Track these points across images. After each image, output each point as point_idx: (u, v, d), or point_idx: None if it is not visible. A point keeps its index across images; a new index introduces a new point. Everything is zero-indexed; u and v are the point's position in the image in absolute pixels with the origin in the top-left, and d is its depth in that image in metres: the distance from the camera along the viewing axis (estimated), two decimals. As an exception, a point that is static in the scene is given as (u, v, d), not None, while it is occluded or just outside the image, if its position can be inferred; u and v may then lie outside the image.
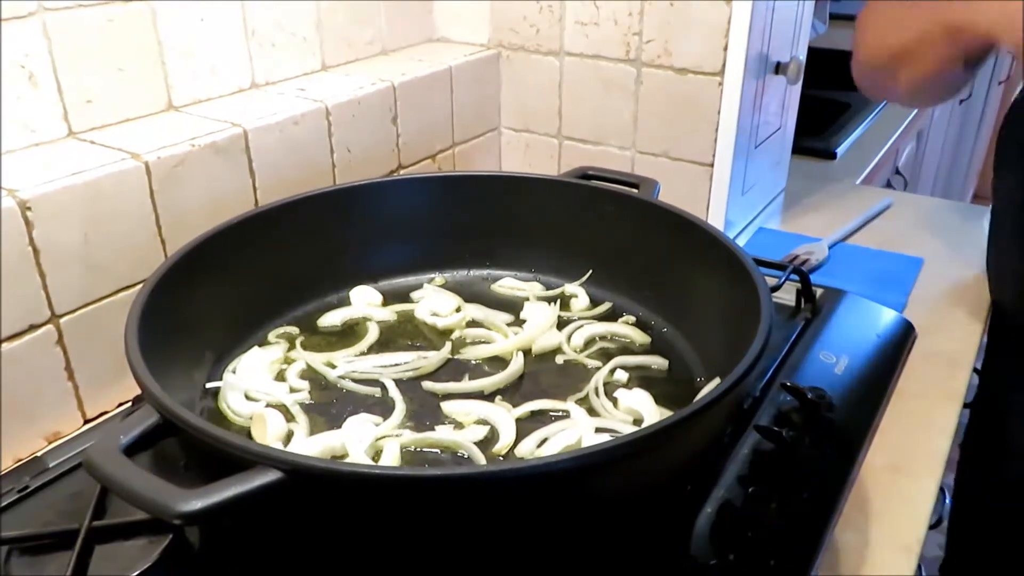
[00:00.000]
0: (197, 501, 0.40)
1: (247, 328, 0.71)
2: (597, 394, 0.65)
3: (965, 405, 0.76)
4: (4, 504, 0.57)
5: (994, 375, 0.91)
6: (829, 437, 0.64)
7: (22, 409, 0.63)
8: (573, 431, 0.60)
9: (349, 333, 0.73)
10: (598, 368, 0.68)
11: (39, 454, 0.64)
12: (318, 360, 0.68)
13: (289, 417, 0.62)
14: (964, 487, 0.97)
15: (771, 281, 0.66)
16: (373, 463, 0.57)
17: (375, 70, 0.93)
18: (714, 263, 0.67)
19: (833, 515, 0.58)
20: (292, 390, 0.65)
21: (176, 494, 0.41)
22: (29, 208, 0.60)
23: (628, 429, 0.61)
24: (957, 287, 0.93)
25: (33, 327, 0.63)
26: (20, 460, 0.63)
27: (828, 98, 1.53)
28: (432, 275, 0.81)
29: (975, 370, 0.83)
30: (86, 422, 0.68)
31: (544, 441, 0.60)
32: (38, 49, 0.66)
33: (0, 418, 0.61)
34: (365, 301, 0.77)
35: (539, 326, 0.72)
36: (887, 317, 0.81)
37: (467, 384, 0.66)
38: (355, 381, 0.66)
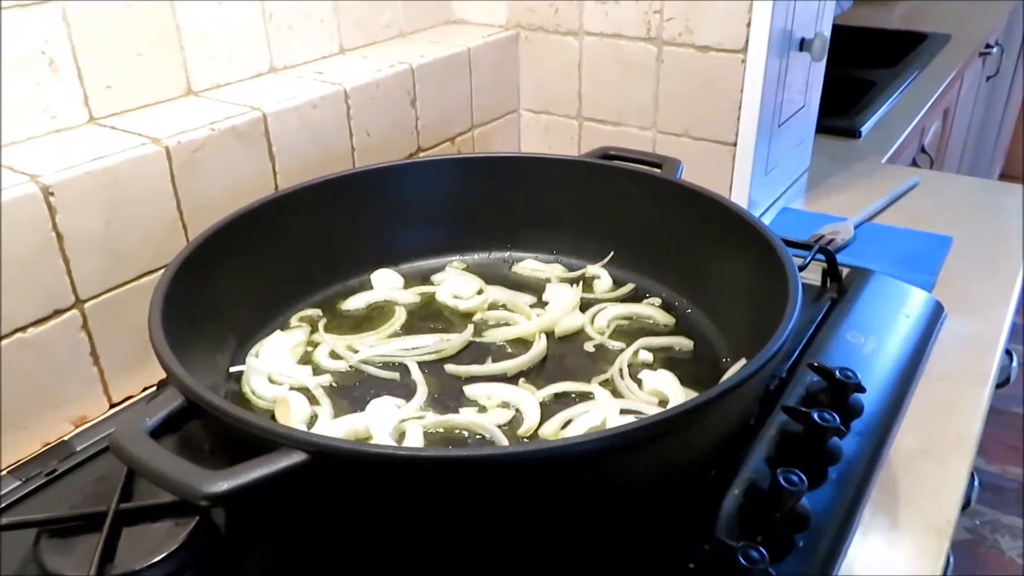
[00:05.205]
0: (223, 483, 0.40)
1: (269, 312, 0.71)
2: (622, 375, 0.64)
3: (998, 386, 0.74)
4: (33, 487, 0.58)
5: None
6: (858, 418, 0.63)
7: (49, 394, 0.64)
8: (597, 412, 0.60)
9: (370, 316, 0.73)
10: (622, 350, 0.68)
11: (66, 438, 0.64)
12: (340, 343, 0.68)
13: (312, 400, 0.62)
14: None
15: (796, 261, 0.64)
16: (397, 445, 0.57)
17: (393, 53, 0.92)
18: (739, 243, 0.66)
19: (862, 497, 0.57)
20: (321, 371, 0.65)
21: (202, 476, 0.41)
22: (52, 194, 0.60)
23: (653, 410, 0.61)
24: (987, 266, 0.91)
25: (58, 312, 0.63)
26: (48, 444, 0.64)
27: (853, 76, 1.50)
28: (453, 257, 0.81)
29: (1006, 351, 0.82)
30: (112, 406, 0.69)
31: (568, 423, 0.60)
32: (58, 35, 0.66)
33: (26, 404, 0.62)
34: (387, 284, 0.77)
35: (562, 308, 0.72)
36: (916, 297, 0.80)
37: (490, 367, 0.66)
38: (377, 365, 0.66)
